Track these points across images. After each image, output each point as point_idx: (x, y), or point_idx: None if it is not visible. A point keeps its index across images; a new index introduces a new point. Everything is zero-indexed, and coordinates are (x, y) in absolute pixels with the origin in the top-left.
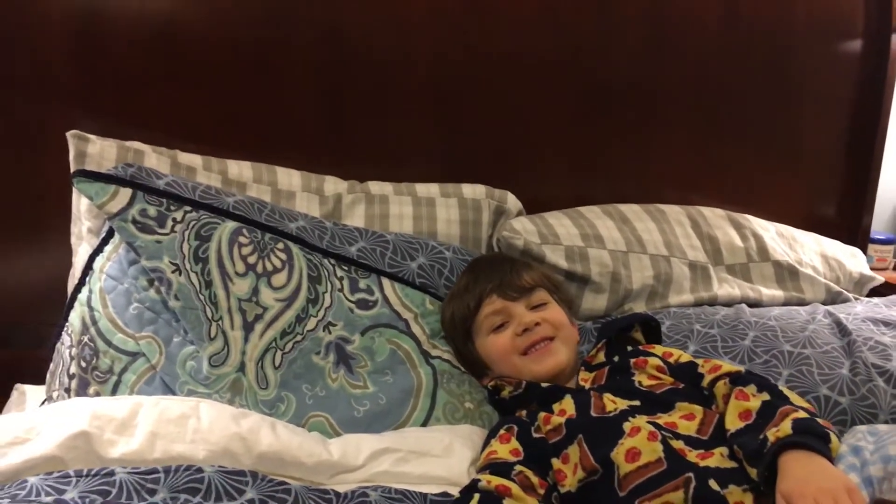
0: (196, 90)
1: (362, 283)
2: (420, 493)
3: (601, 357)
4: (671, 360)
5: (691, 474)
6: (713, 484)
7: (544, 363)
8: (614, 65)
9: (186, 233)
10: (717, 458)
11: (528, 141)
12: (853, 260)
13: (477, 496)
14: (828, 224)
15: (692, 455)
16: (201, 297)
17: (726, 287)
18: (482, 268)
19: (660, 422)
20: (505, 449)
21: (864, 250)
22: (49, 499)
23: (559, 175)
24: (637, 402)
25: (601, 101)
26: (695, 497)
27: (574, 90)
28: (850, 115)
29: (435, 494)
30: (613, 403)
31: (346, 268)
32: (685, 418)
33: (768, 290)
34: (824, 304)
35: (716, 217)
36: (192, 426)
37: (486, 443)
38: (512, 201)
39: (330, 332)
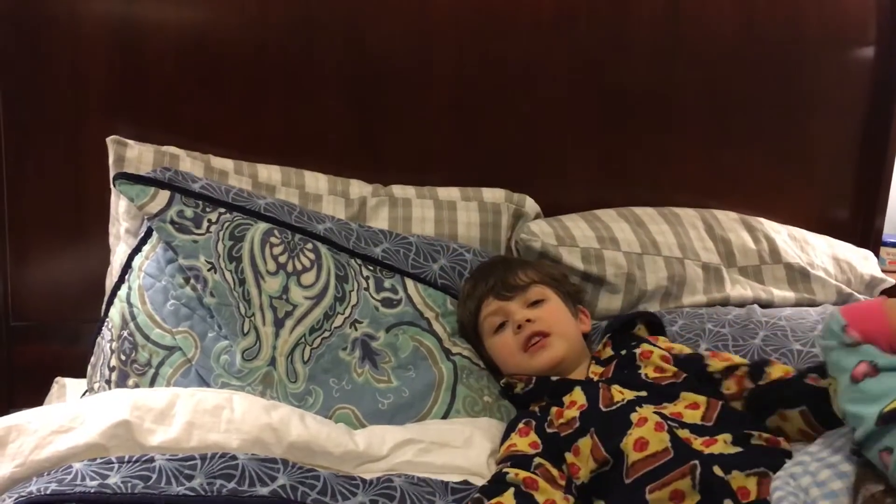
0: (227, 98)
1: (387, 283)
2: (442, 480)
3: (609, 351)
4: (674, 352)
5: (697, 462)
6: (717, 470)
7: (539, 358)
8: (631, 72)
9: (221, 233)
10: (722, 445)
11: (547, 147)
12: (865, 262)
13: (512, 489)
14: (840, 227)
15: (697, 443)
16: (235, 295)
17: (739, 288)
18: (480, 272)
19: (665, 412)
20: (524, 442)
21: (877, 253)
22: (93, 483)
23: (577, 180)
24: (644, 393)
25: (618, 108)
26: (700, 483)
27: (591, 97)
28: (862, 120)
29: (456, 482)
30: (621, 394)
31: (371, 268)
32: (690, 407)
33: (780, 291)
34: (835, 305)
35: (729, 220)
36: (226, 416)
37: (506, 436)
38: (530, 205)
39: (356, 329)
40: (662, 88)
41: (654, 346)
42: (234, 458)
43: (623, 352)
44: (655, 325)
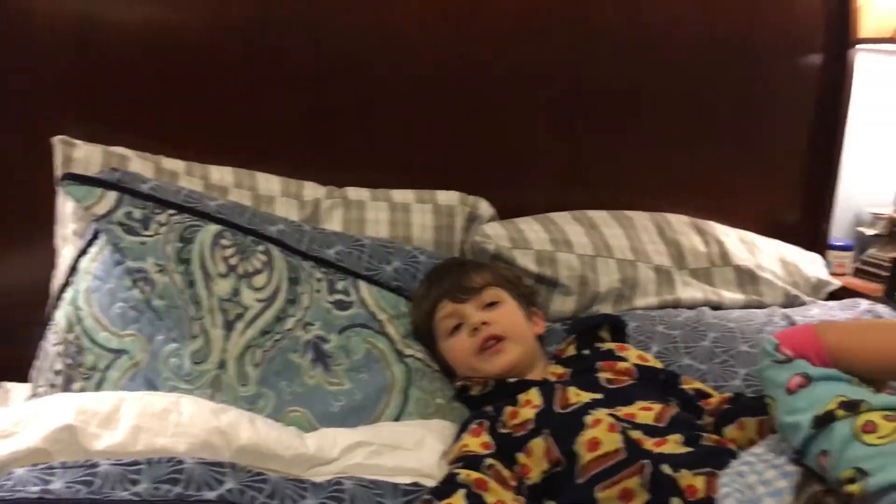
0: (180, 98)
1: (340, 285)
2: (392, 482)
3: (571, 351)
4: (646, 363)
5: (647, 461)
6: (666, 469)
7: (494, 363)
8: (589, 76)
9: (170, 235)
10: (672, 445)
11: (504, 149)
12: (811, 265)
13: (462, 491)
14: (789, 231)
15: (649, 443)
16: (184, 297)
17: (689, 290)
18: (435, 275)
19: (619, 414)
20: (476, 442)
21: (824, 256)
22: (35, 489)
23: (532, 183)
24: (600, 396)
25: (575, 112)
26: (650, 481)
27: (549, 100)
28: (811, 127)
29: (406, 484)
30: (577, 396)
31: (324, 270)
32: (643, 410)
33: (729, 293)
34: (782, 307)
35: (680, 223)
36: (174, 420)
37: (459, 436)
38: (484, 207)
39: (308, 332)
40: (619, 93)
41: (623, 359)
42: (180, 462)
43: (586, 352)
44: (619, 329)
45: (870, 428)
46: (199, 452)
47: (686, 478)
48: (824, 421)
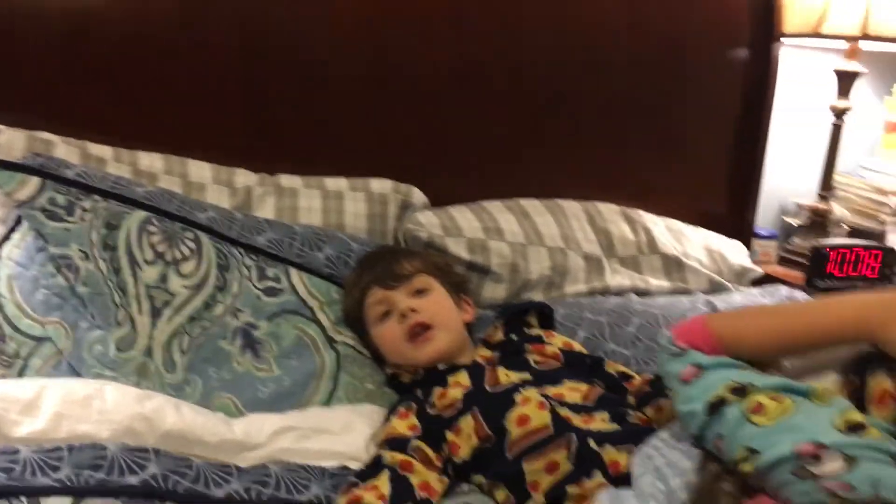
0: (108, 84)
1: (270, 272)
2: (319, 466)
3: (499, 336)
4: (571, 349)
5: (574, 434)
6: (592, 443)
7: (423, 351)
8: (521, 69)
9: (95, 221)
10: (598, 422)
11: (437, 141)
12: (735, 253)
13: (387, 472)
14: (716, 220)
15: (576, 420)
16: (109, 284)
17: (618, 278)
18: (366, 262)
19: (548, 393)
20: (403, 425)
21: (748, 245)
22: None
23: (466, 173)
24: (529, 377)
25: (507, 105)
26: (576, 455)
27: (481, 93)
28: (737, 119)
29: (333, 468)
30: (507, 377)
31: (254, 257)
32: (571, 390)
33: (656, 280)
34: (707, 294)
35: (610, 212)
36: (97, 407)
37: (387, 419)
38: (417, 196)
39: (237, 318)
40: (550, 85)
41: (549, 343)
42: (103, 448)
43: (514, 336)
44: (546, 316)
45: (758, 409)
46: (122, 438)
47: (610, 453)
48: (716, 407)
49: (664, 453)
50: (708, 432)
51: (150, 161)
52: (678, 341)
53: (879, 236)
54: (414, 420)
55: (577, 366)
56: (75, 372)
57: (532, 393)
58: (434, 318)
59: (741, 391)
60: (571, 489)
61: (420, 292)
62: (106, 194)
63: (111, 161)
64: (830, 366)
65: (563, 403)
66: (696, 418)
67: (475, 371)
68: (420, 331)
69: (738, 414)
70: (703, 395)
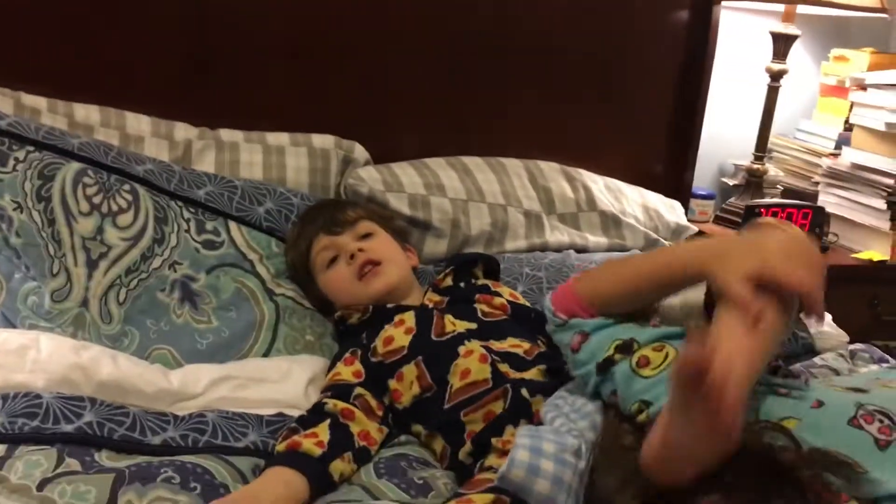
0: (44, 33)
1: (209, 225)
2: (257, 414)
3: (448, 282)
4: (517, 301)
5: (509, 385)
6: (524, 392)
7: (374, 285)
8: (465, 27)
9: (29, 172)
10: (534, 373)
11: (380, 96)
12: (671, 211)
13: (328, 420)
14: (655, 179)
15: (514, 374)
16: (44, 235)
17: (557, 234)
18: (309, 214)
19: (492, 346)
20: (348, 371)
21: (687, 204)
22: None
23: (408, 130)
24: (474, 326)
25: (451, 61)
26: (510, 404)
27: (426, 50)
28: (676, 81)
29: (271, 415)
30: (453, 325)
31: (192, 210)
32: (513, 347)
33: (594, 237)
34: (642, 250)
35: (551, 170)
36: (32, 357)
37: (332, 365)
38: (359, 151)
39: (175, 271)
40: (495, 44)
41: (498, 294)
42: (38, 396)
43: (462, 284)
44: (492, 270)
45: (644, 362)
46: (58, 388)
47: (539, 403)
48: (606, 367)
49: (570, 402)
50: (603, 391)
51: (87, 113)
52: (557, 311)
53: (812, 196)
54: (359, 366)
55: (523, 319)
56: (10, 323)
57: (475, 345)
58: (382, 255)
59: (627, 348)
60: (495, 441)
61: (365, 237)
62: (40, 145)
63: (46, 112)
64: (697, 309)
65: (505, 357)
66: (590, 381)
67: (422, 315)
68: (370, 267)
69: (626, 370)
70: (592, 358)
